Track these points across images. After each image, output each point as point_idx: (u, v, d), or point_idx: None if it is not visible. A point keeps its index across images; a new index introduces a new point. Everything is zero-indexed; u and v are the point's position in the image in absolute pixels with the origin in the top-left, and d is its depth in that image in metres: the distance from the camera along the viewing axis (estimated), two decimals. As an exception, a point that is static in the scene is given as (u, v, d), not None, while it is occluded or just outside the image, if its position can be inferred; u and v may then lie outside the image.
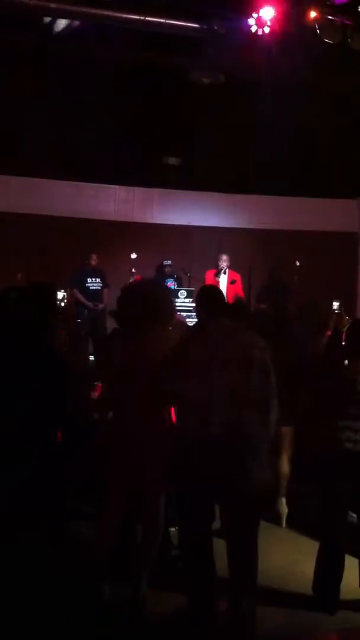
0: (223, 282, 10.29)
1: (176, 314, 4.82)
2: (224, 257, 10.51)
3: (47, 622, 3.57)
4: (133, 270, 10.55)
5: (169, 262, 11.31)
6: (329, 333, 5.24)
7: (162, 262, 11.31)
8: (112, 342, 4.37)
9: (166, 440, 3.91)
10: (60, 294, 4.33)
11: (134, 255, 10.97)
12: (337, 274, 12.13)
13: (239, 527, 3.75)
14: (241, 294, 10.19)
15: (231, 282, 10.20)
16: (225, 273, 10.35)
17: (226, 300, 4.15)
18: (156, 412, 3.96)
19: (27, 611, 3.57)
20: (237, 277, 10.36)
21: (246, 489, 3.66)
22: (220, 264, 10.43)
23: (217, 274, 10.36)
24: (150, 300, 4.03)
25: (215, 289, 4.52)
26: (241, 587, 3.71)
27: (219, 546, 3.82)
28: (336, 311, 5.17)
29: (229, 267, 10.52)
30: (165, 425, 3.99)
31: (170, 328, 4.36)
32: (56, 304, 4.51)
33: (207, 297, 4.09)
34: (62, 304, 4.34)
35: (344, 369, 4.28)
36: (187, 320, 7.50)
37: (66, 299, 4.33)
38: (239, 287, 10.39)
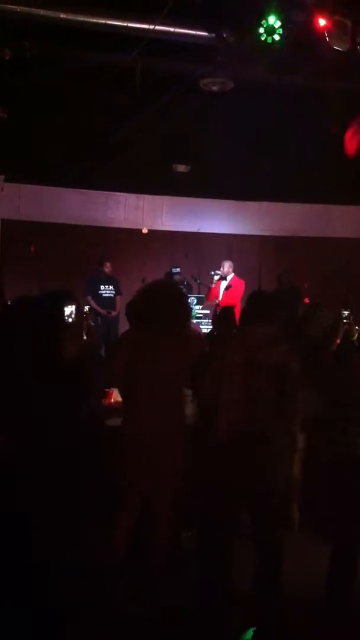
0: (221, 288, 10.25)
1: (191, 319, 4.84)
2: (226, 264, 10.44)
3: (60, 622, 3.58)
4: (144, 279, 10.56)
5: (178, 269, 11.34)
6: (338, 341, 5.23)
7: (170, 270, 11.34)
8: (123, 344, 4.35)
9: (182, 442, 3.95)
10: (67, 309, 4.34)
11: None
12: (347, 282, 12.13)
13: (267, 529, 3.79)
14: (235, 301, 9.45)
15: (226, 288, 10.17)
16: (225, 279, 10.29)
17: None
18: (173, 415, 3.99)
19: (41, 611, 3.58)
20: (240, 283, 10.24)
21: (272, 491, 3.70)
22: (221, 270, 10.35)
23: (213, 281, 10.30)
24: (170, 301, 4.07)
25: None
26: (269, 589, 3.76)
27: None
28: (345, 320, 5.16)
29: (235, 273, 10.44)
30: (182, 427, 4.03)
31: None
32: (62, 312, 4.53)
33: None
34: (70, 320, 4.35)
35: (354, 375, 4.32)
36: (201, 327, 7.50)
37: (74, 314, 4.34)
38: (235, 294, 10.06)
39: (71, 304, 4.40)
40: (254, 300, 4.18)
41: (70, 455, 3.54)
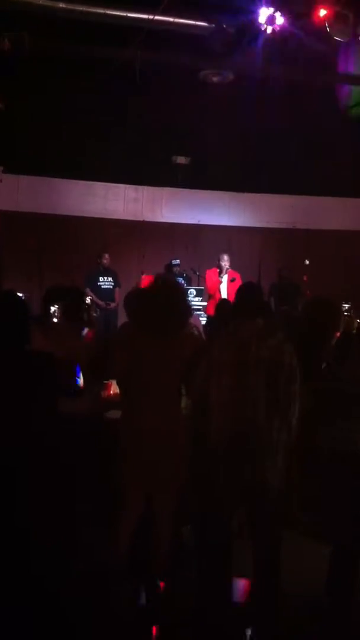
0: (224, 281, 10.28)
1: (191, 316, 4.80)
2: (225, 257, 10.48)
3: (61, 622, 3.57)
4: (143, 272, 10.56)
5: (178, 261, 11.33)
6: (338, 334, 5.20)
7: (170, 262, 11.33)
8: (122, 338, 4.32)
9: (181, 440, 3.93)
10: (52, 308, 4.34)
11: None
12: (347, 275, 12.10)
13: (265, 529, 3.77)
14: None
15: (231, 280, 10.19)
16: (226, 273, 10.34)
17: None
18: (171, 413, 3.98)
19: (42, 611, 3.56)
20: (237, 275, 10.32)
21: (269, 490, 3.69)
22: (222, 264, 10.41)
23: (220, 274, 10.34)
24: (168, 301, 4.04)
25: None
26: (267, 590, 3.74)
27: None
28: (346, 313, 5.14)
29: (229, 266, 10.50)
30: (181, 424, 4.00)
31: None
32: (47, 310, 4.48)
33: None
34: (55, 319, 4.36)
35: (354, 369, 4.29)
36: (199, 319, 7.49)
37: (57, 314, 4.34)
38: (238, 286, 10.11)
39: (57, 303, 4.33)
40: (241, 294, 4.10)
41: (60, 454, 3.49)
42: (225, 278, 10.28)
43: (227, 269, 10.36)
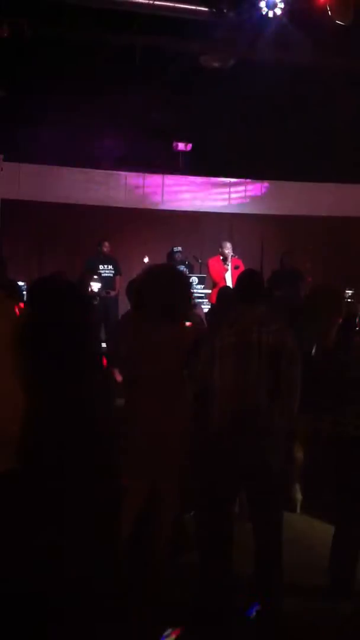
0: (229, 269, 10.22)
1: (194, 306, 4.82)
2: (228, 244, 10.39)
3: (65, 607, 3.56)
4: (146, 259, 10.49)
5: (179, 248, 11.28)
6: (341, 320, 5.18)
7: (172, 249, 11.28)
8: (126, 326, 4.34)
9: (183, 427, 3.93)
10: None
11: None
12: (350, 261, 12.06)
13: (266, 512, 3.77)
14: None
15: (235, 268, 10.13)
16: (230, 260, 10.27)
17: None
18: (173, 399, 3.97)
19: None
20: (240, 262, 10.25)
21: (270, 473, 3.69)
22: (225, 252, 10.32)
23: (225, 262, 10.27)
24: (172, 289, 4.03)
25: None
26: (269, 575, 3.74)
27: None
28: (349, 299, 5.12)
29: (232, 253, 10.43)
30: (184, 411, 4.00)
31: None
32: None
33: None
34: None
35: (356, 354, 4.28)
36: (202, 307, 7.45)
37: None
38: None
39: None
40: (242, 280, 4.11)
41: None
42: (229, 266, 10.22)
43: (231, 256, 10.30)
